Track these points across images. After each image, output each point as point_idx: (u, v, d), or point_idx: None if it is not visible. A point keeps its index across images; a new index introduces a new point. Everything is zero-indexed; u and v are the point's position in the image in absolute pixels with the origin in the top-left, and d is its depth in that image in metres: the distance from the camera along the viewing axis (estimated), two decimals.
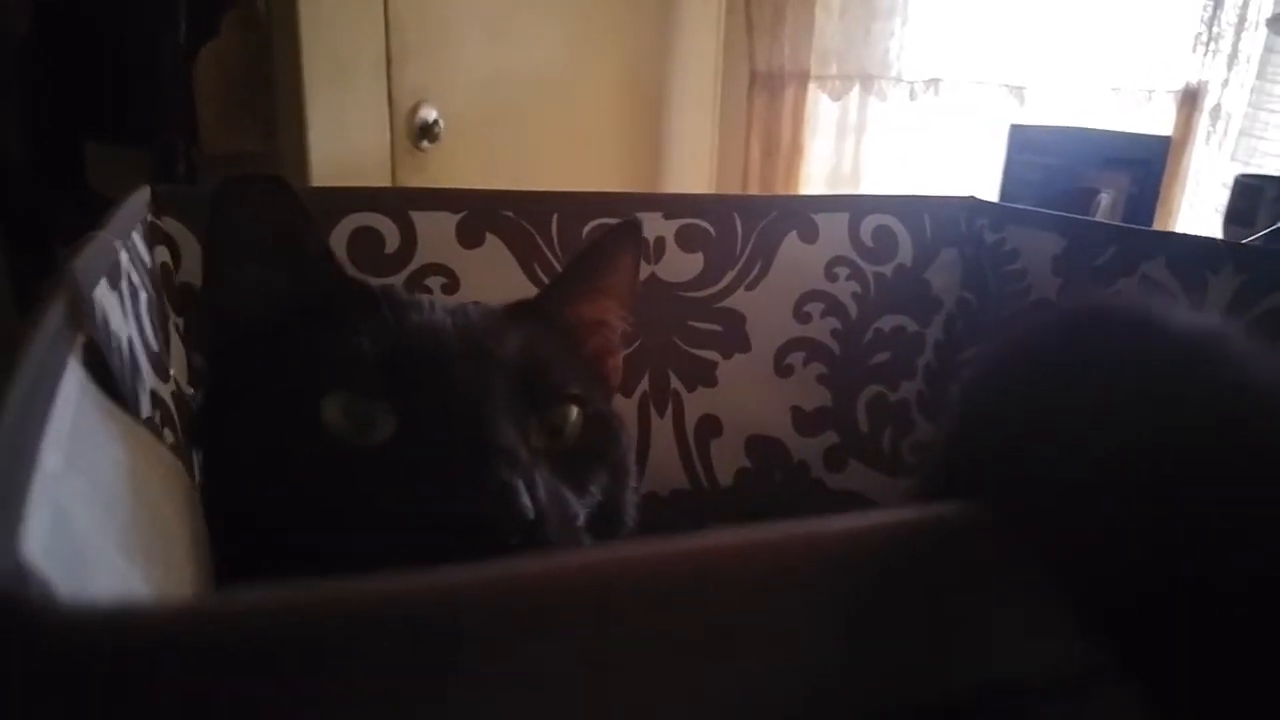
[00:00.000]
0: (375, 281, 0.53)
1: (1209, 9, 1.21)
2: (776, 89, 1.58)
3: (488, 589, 0.16)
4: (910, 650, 0.20)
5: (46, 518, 0.17)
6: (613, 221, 0.58)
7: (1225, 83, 1.22)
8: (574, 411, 0.40)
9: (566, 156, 1.49)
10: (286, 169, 1.16)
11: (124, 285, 0.33)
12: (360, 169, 1.23)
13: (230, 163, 1.14)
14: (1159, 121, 1.30)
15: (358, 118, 1.23)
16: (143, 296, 0.37)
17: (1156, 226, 1.18)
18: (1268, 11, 1.16)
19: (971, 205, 0.67)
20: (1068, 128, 1.23)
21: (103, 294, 0.29)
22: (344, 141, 1.21)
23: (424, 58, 1.28)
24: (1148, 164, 1.17)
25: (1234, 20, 1.20)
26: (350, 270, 0.53)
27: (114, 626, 0.15)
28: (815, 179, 1.61)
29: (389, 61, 1.24)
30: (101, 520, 0.21)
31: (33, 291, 0.42)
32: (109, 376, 0.27)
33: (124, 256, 0.35)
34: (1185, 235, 0.56)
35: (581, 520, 0.38)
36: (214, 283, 0.41)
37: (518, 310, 0.45)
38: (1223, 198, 1.02)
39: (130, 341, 0.32)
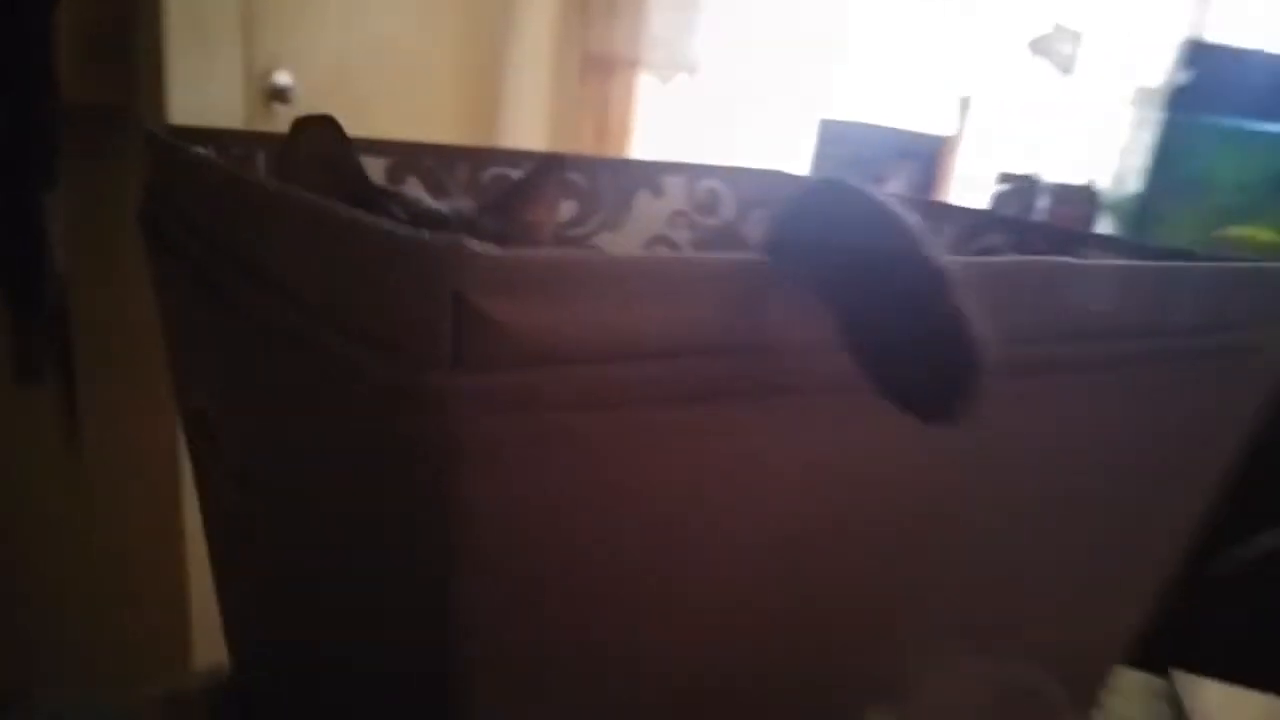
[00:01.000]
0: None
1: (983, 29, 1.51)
2: (608, 72, 1.76)
3: None
4: None
5: None
6: (508, 171, 0.73)
7: (996, 92, 1.53)
8: None
9: (410, 126, 1.59)
10: (145, 123, 1.20)
11: None
12: (217, 125, 1.28)
13: (88, 113, 1.17)
14: (942, 123, 1.59)
15: (216, 77, 1.28)
16: None
17: None
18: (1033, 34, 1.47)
19: (781, 178, 0.87)
20: (869, 124, 1.49)
21: None
22: (202, 98, 1.26)
23: (282, 23, 1.35)
24: (930, 158, 1.45)
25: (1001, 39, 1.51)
26: None
27: None
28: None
29: (247, 24, 1.30)
30: None
31: None
32: None
33: None
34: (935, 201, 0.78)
35: None
36: None
37: None
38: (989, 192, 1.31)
39: None
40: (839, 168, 1.47)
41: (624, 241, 0.80)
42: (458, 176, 0.71)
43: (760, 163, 0.87)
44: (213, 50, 1.25)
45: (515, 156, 0.74)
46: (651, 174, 0.80)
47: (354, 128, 0.53)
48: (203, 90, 1.24)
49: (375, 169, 0.67)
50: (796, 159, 1.57)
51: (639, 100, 1.76)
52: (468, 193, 0.72)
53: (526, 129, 1.78)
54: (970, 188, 1.55)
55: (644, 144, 1.79)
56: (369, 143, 0.66)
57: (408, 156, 0.69)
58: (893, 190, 1.55)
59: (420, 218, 0.51)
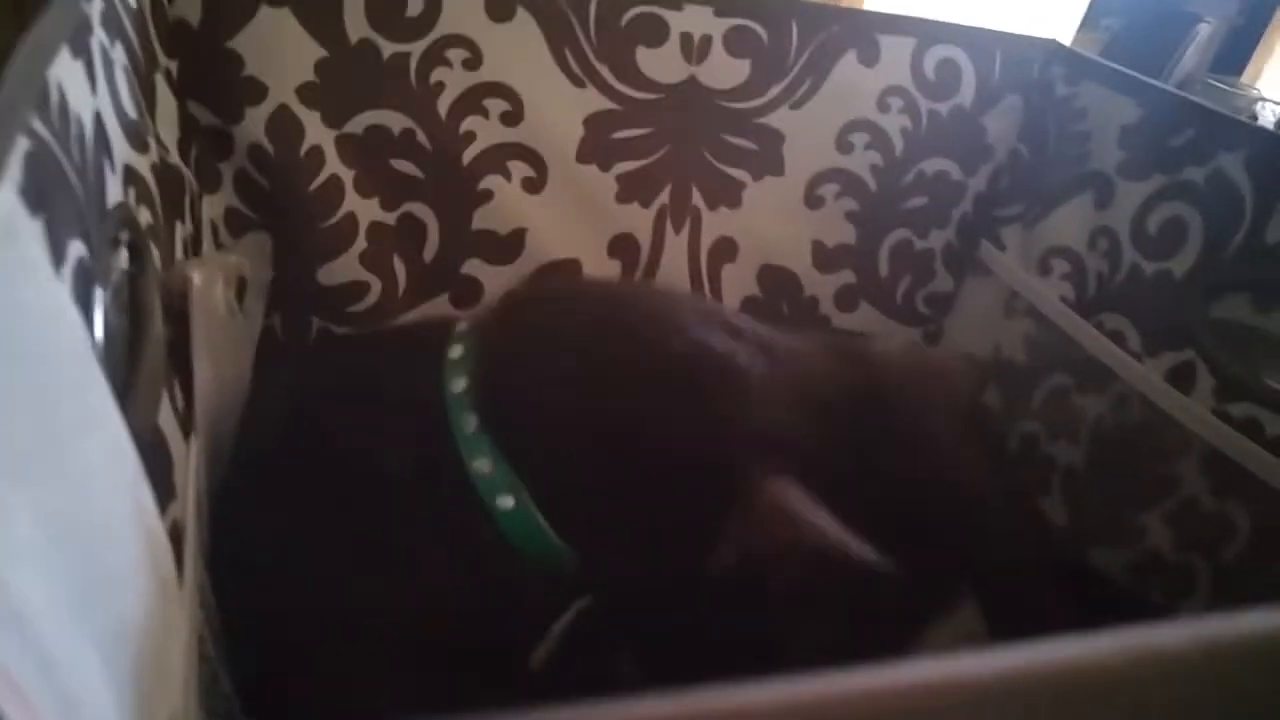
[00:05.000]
0: (390, 49, 0.49)
1: None
2: None
3: None
4: None
5: None
6: (655, 10, 0.53)
7: None
8: None
9: None
10: None
11: (94, 44, 0.30)
12: None
13: None
14: None
15: None
16: (118, 51, 0.33)
17: (1251, 74, 1.06)
18: None
19: (1049, 49, 0.61)
20: None
21: (62, 68, 0.25)
22: None
23: None
24: None
25: None
26: (364, 32, 0.49)
27: None
28: None
29: None
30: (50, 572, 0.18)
31: None
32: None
33: (95, 7, 0.31)
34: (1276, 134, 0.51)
35: None
36: None
37: None
38: None
39: (98, 118, 0.29)
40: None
41: (809, 127, 0.59)
42: (585, 14, 0.52)
43: (1010, 22, 0.61)
44: None
45: None
46: (862, 29, 0.58)
47: None
48: None
49: None
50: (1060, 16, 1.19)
51: None
52: (598, 39, 0.53)
53: None
54: None
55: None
56: None
57: None
58: (1204, 39, 1.14)
59: None
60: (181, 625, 0.26)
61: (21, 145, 0.21)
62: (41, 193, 0.21)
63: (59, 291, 0.22)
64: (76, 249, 0.24)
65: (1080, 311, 0.57)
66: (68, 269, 0.23)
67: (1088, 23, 1.67)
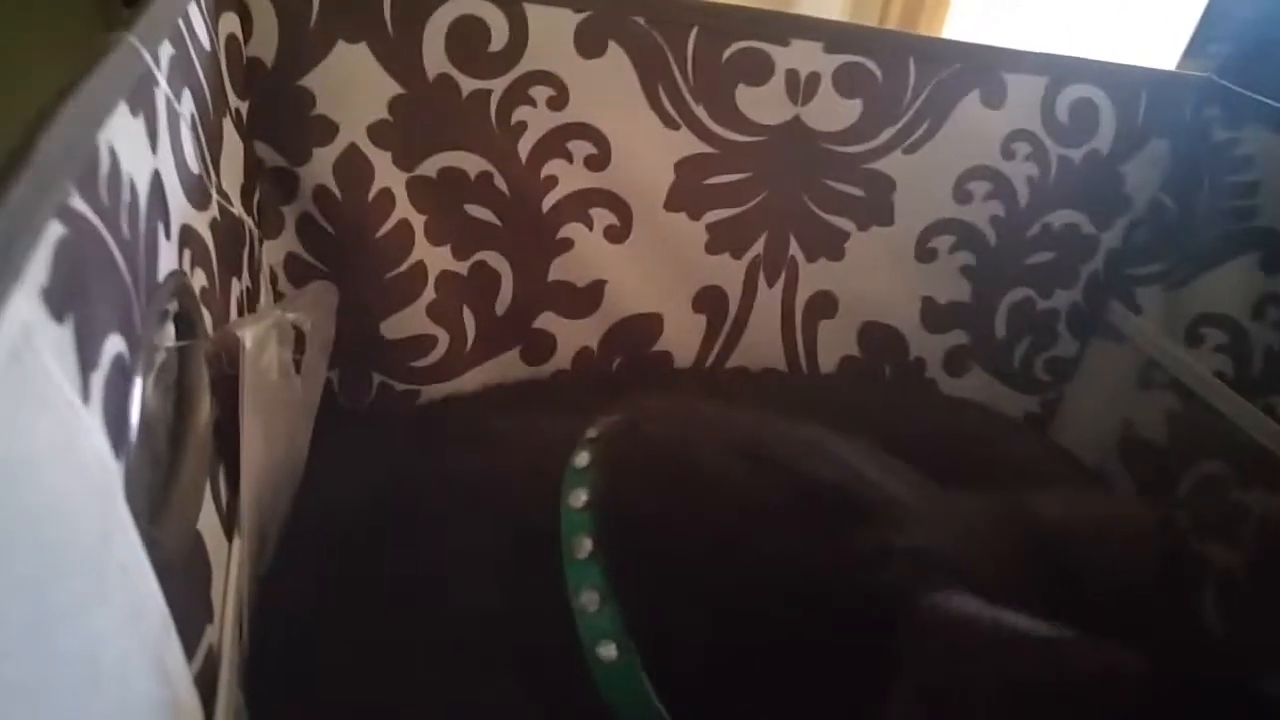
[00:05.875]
0: (469, 86, 0.45)
1: None
2: None
3: None
4: None
5: None
6: (759, 46, 0.47)
7: None
8: None
9: None
10: None
11: (159, 96, 0.26)
12: None
13: None
14: None
15: None
16: (185, 101, 0.29)
17: None
18: None
19: (1204, 87, 0.54)
20: None
21: (117, 128, 0.21)
22: None
23: None
24: None
25: None
26: (443, 67, 0.44)
27: None
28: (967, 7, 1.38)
29: None
30: None
31: None
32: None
33: (164, 52, 0.27)
34: None
35: None
36: None
37: None
38: None
39: (155, 178, 0.25)
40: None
41: (924, 173, 0.53)
42: (683, 51, 0.47)
43: (1098, 49, 0.54)
44: None
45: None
46: (988, 67, 0.51)
47: None
48: None
49: (561, 26, 0.45)
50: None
51: None
52: (695, 76, 0.47)
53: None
54: None
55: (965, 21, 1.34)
56: None
57: (612, 7, 0.45)
58: None
59: None
60: None
61: (52, 234, 0.16)
62: (74, 287, 0.17)
63: (78, 420, 0.17)
64: (114, 345, 0.20)
65: (1242, 391, 0.49)
66: (99, 375, 0.18)
67: (1193, 49, 1.56)
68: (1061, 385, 0.61)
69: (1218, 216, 0.52)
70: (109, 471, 0.18)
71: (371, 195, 0.47)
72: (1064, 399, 0.61)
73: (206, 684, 0.25)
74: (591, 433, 0.34)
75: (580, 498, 0.31)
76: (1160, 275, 0.56)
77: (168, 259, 0.25)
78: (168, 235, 0.26)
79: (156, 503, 0.23)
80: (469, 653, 0.29)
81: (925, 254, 0.55)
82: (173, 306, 0.26)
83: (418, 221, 0.49)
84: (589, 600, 0.29)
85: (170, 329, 0.26)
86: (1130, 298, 0.57)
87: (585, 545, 0.30)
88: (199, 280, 0.29)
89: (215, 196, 0.34)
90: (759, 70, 0.48)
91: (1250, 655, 0.47)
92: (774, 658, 0.28)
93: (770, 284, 0.55)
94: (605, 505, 0.31)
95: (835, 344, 0.57)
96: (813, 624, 0.27)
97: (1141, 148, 0.54)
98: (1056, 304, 0.58)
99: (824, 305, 0.56)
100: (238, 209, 0.39)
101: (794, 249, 0.54)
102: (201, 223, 0.30)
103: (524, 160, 0.48)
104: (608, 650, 0.28)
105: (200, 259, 0.29)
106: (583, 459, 0.33)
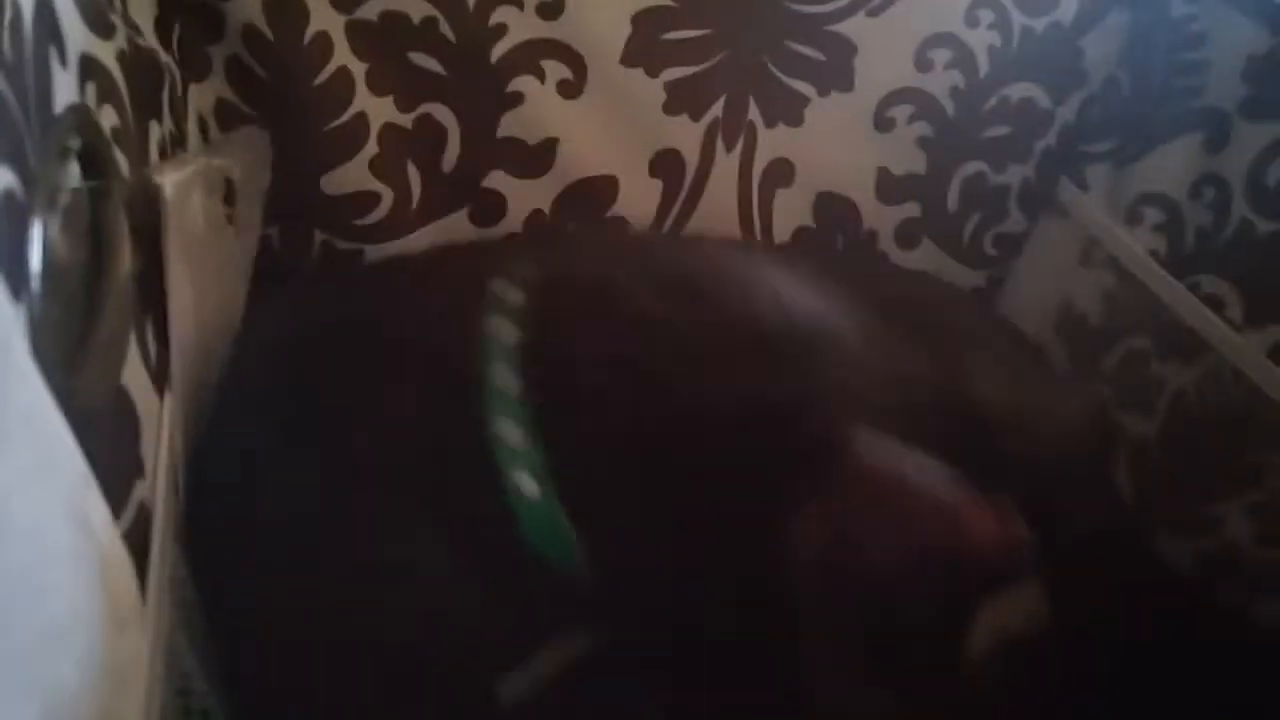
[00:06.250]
0: None
1: None
2: None
3: None
4: None
5: None
6: None
7: None
8: None
9: None
10: None
11: None
12: None
13: None
14: None
15: None
16: None
17: None
18: None
19: None
20: None
21: None
22: None
23: None
24: None
25: None
26: None
27: None
28: None
29: None
30: None
31: None
32: None
33: None
34: None
35: None
36: None
37: None
38: None
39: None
40: None
41: (886, 38, 0.51)
42: None
43: None
44: None
45: None
46: None
47: None
48: None
49: None
50: None
51: None
52: None
53: None
54: None
55: None
56: None
57: None
58: None
59: None
60: (143, 653, 0.21)
61: None
62: None
63: None
64: (2, 179, 0.18)
65: (1173, 270, 0.51)
66: None
67: None
68: (1008, 261, 0.62)
69: (1169, 94, 0.52)
70: (4, 316, 0.17)
71: (307, 39, 0.44)
72: (1010, 275, 0.62)
73: (139, 539, 0.24)
74: (525, 270, 0.34)
75: (511, 335, 0.31)
76: (1110, 153, 0.56)
77: (65, 89, 0.23)
78: (63, 62, 0.24)
79: (72, 353, 0.22)
80: (397, 496, 0.29)
81: (884, 123, 0.55)
82: (74, 143, 0.24)
83: (358, 69, 0.46)
84: (508, 431, 0.29)
85: (75, 168, 0.25)
86: (1080, 176, 0.58)
87: (513, 384, 0.30)
88: (108, 118, 0.27)
89: (121, 25, 0.31)
90: None
91: (1155, 519, 0.50)
92: (695, 501, 0.28)
93: (729, 149, 0.54)
94: (535, 347, 0.31)
95: (791, 213, 0.57)
96: (740, 461, 0.28)
97: (1101, 20, 0.54)
98: (1009, 179, 0.58)
99: (782, 172, 0.55)
100: (150, 42, 0.36)
101: (753, 113, 0.53)
102: (106, 53, 0.28)
103: (471, 6, 0.45)
104: (530, 488, 0.29)
105: (108, 94, 0.27)
106: (517, 296, 0.32)
